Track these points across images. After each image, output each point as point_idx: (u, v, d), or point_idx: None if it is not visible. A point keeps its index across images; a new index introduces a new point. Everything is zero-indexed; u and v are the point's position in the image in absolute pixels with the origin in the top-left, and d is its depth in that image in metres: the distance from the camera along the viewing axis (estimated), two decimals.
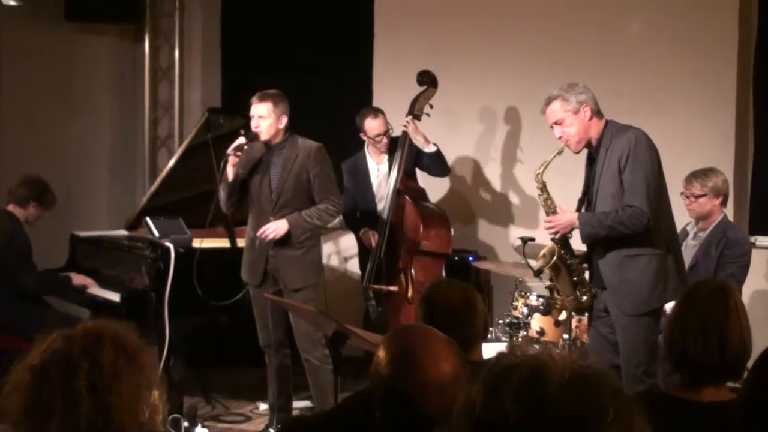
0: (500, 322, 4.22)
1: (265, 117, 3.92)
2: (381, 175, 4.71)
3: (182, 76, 5.99)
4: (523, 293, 4.19)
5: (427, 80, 4.60)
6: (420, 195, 4.63)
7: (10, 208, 4.52)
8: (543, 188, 3.36)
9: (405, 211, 4.50)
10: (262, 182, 3.99)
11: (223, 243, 4.36)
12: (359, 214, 4.73)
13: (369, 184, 4.72)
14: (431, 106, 4.61)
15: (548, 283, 3.92)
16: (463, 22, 5.17)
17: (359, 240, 4.74)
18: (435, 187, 5.03)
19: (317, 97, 5.39)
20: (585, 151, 3.38)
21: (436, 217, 4.54)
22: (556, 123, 3.31)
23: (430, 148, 4.60)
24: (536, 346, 3.54)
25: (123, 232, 4.78)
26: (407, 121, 4.55)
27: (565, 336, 3.86)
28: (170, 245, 4.03)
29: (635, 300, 3.24)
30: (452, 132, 5.10)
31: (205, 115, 4.60)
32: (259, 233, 3.94)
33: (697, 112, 4.68)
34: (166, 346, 3.94)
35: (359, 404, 1.86)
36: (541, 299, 4.07)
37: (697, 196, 3.92)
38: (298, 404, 4.43)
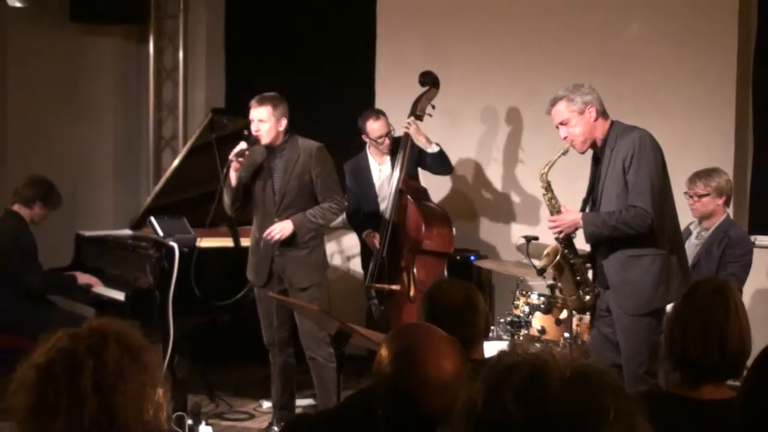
0: (501, 320, 4.24)
1: (265, 120, 3.93)
2: (383, 175, 4.73)
3: (186, 77, 6.01)
4: (524, 292, 4.20)
5: (429, 81, 4.60)
6: (422, 195, 4.64)
7: (16, 208, 4.54)
8: (548, 188, 3.35)
9: (407, 210, 4.51)
10: (266, 185, 4.00)
11: (227, 242, 4.37)
12: (362, 215, 4.75)
13: (371, 185, 4.73)
14: (433, 107, 4.62)
15: (550, 282, 3.93)
16: (465, 23, 5.18)
17: (362, 240, 4.75)
18: (437, 187, 5.04)
19: (319, 97, 5.41)
20: (589, 152, 3.38)
21: (438, 217, 4.55)
22: (561, 123, 3.31)
23: (432, 149, 4.61)
24: (537, 345, 3.54)
25: (127, 232, 4.79)
26: (409, 122, 4.56)
27: (566, 334, 3.88)
28: (174, 245, 4.04)
29: (638, 300, 3.24)
30: (454, 132, 5.11)
31: (208, 116, 4.62)
32: (264, 235, 3.96)
33: (697, 113, 4.68)
34: (170, 345, 3.95)
35: (362, 402, 1.86)
36: (542, 298, 4.09)
37: (700, 196, 3.93)
38: (301, 402, 4.45)
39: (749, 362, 1.71)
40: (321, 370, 3.99)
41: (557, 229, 3.32)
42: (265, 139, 3.95)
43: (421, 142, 4.60)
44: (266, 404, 4.53)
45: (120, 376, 1.38)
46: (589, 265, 3.43)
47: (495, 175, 5.23)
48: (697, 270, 3.76)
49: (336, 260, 5.50)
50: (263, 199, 4.02)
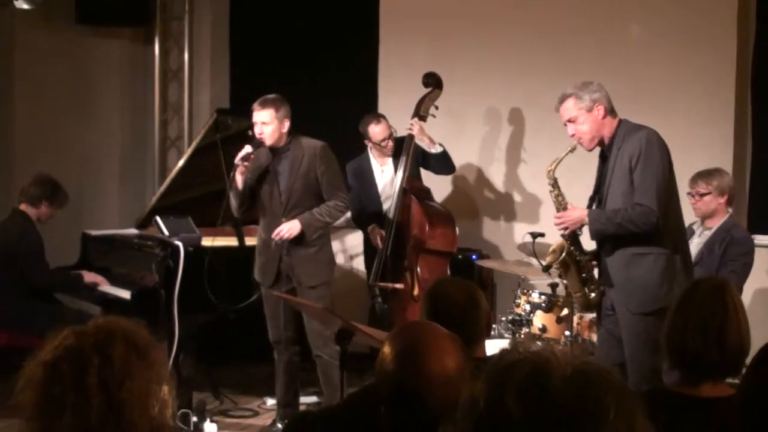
0: (503, 319, 4.25)
1: (268, 123, 3.95)
2: (385, 177, 4.74)
3: (191, 78, 6.03)
4: (525, 291, 4.22)
5: (432, 82, 4.62)
6: (425, 194, 4.65)
7: (23, 207, 4.57)
8: (554, 184, 3.35)
9: (411, 210, 4.52)
10: (272, 186, 4.03)
11: (232, 242, 4.40)
12: (365, 215, 4.77)
13: (374, 186, 4.75)
14: (436, 108, 4.63)
15: (552, 280, 3.94)
16: (467, 26, 5.20)
17: (366, 238, 4.77)
18: (440, 187, 5.06)
19: (323, 98, 5.42)
20: (596, 150, 3.38)
21: (442, 217, 4.56)
22: (569, 121, 3.29)
23: (436, 149, 4.62)
24: (538, 343, 3.56)
25: (133, 231, 4.81)
26: (413, 123, 4.57)
27: (567, 333, 3.89)
28: (180, 244, 4.06)
29: (641, 298, 3.23)
30: (456, 133, 5.13)
31: (213, 116, 4.64)
32: (273, 235, 3.98)
33: (696, 114, 4.69)
34: (175, 343, 3.97)
35: (365, 399, 1.87)
36: (543, 297, 4.10)
37: (702, 195, 3.95)
38: (305, 399, 4.47)
39: (748, 360, 1.72)
40: (327, 368, 4.01)
41: (563, 226, 3.32)
42: (269, 141, 3.97)
43: (424, 142, 4.61)
44: (270, 401, 4.55)
45: (126, 374, 1.38)
46: (594, 262, 3.42)
47: (497, 175, 5.24)
48: (698, 268, 3.77)
49: (339, 259, 5.51)
50: (270, 200, 4.04)
